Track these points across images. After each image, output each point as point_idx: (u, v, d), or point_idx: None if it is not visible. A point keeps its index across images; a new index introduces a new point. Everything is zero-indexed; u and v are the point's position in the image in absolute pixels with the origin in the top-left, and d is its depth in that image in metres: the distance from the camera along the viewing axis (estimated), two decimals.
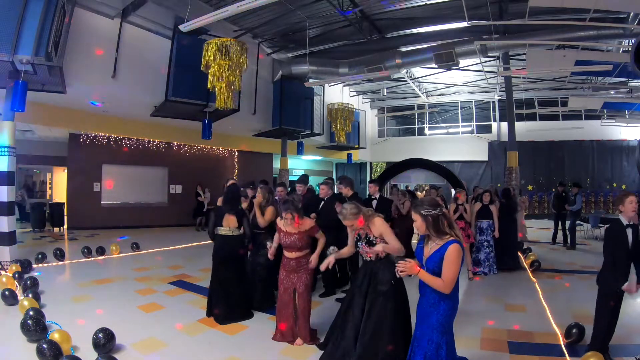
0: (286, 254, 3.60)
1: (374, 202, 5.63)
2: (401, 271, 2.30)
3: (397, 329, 2.87)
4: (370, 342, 2.82)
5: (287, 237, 3.53)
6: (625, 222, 3.04)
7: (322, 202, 5.24)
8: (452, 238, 2.26)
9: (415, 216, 2.36)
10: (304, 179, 5.73)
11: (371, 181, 5.92)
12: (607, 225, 3.16)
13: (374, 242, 2.90)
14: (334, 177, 18.59)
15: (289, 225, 3.52)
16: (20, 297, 4.34)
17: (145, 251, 7.77)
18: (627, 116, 13.62)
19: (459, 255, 2.21)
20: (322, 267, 3.23)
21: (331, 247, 3.29)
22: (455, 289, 2.30)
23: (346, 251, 3.22)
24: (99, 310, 4.25)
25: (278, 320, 3.66)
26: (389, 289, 2.86)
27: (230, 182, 5.21)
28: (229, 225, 4.14)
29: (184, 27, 6.33)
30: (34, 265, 6.02)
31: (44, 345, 2.90)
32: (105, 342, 3.17)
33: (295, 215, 3.44)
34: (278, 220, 3.69)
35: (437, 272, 2.25)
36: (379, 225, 2.93)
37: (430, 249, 2.33)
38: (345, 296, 3.23)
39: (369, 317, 2.87)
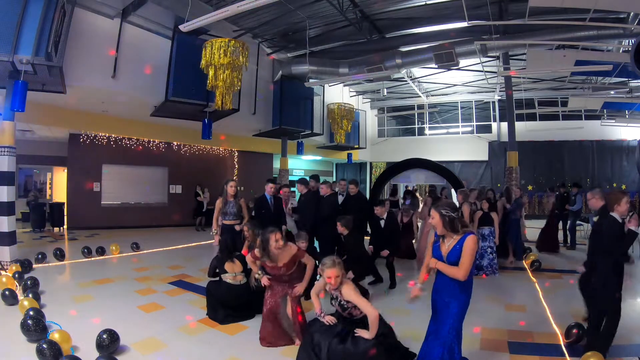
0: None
1: (382, 222, 5.41)
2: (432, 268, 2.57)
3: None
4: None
5: (274, 270, 3.49)
6: (619, 220, 3.12)
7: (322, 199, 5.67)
8: (468, 230, 2.52)
9: (434, 214, 2.57)
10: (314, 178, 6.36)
11: (376, 204, 5.55)
12: (611, 224, 3.15)
13: (346, 306, 2.84)
14: (334, 177, 18.68)
15: (272, 259, 3.45)
16: (20, 297, 4.34)
17: (145, 251, 7.76)
18: (627, 116, 13.61)
19: (476, 245, 2.45)
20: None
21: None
22: (470, 281, 2.51)
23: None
24: (98, 311, 4.24)
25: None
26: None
27: (229, 187, 5.29)
28: (234, 271, 4.19)
29: (184, 27, 6.34)
30: (34, 265, 6.02)
31: (44, 345, 2.89)
32: (109, 343, 3.15)
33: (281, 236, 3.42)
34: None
35: (457, 264, 2.45)
36: (347, 292, 2.80)
37: (448, 245, 2.54)
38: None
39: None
